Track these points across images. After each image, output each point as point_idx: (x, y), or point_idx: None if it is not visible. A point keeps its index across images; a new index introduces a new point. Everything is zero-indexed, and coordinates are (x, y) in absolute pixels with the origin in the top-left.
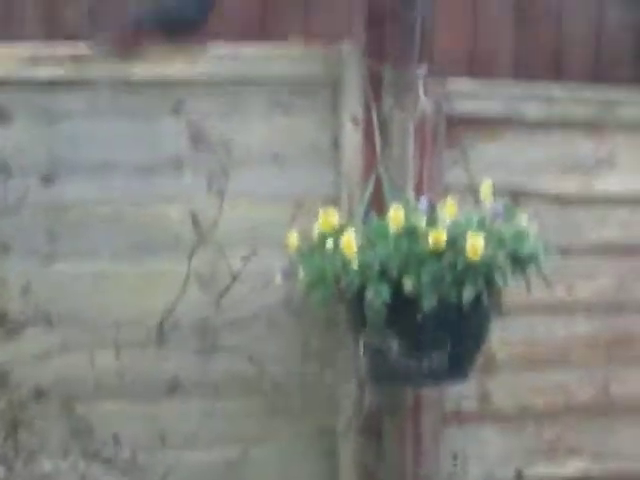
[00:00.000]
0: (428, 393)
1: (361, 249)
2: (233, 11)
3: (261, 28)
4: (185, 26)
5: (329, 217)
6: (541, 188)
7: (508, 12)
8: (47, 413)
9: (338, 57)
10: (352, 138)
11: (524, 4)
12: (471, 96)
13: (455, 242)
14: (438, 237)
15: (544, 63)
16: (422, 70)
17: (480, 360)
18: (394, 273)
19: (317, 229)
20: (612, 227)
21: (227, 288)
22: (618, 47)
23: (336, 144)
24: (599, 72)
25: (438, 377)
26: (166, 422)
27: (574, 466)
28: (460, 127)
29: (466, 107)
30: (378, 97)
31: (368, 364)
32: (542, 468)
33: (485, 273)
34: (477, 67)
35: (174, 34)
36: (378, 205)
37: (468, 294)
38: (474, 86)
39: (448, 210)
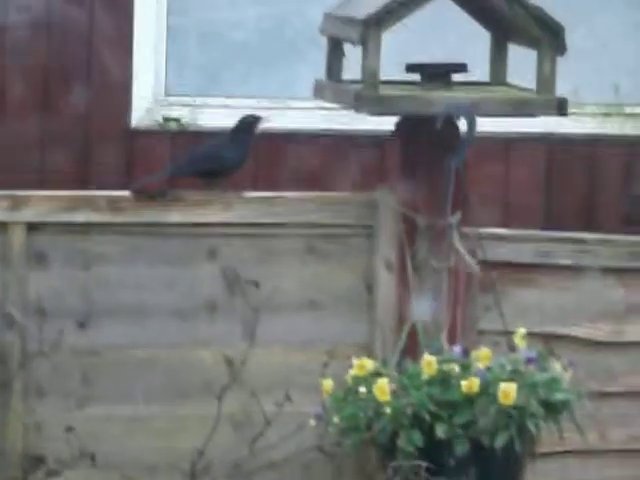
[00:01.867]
0: None
1: (394, 395)
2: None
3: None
4: (223, 171)
5: (363, 364)
6: (574, 333)
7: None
8: None
9: (372, 203)
10: (386, 284)
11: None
12: (504, 242)
13: (488, 388)
14: (471, 384)
15: (575, 212)
16: (456, 217)
17: None
18: (427, 419)
19: (351, 375)
20: None
21: (261, 432)
22: None
23: (370, 290)
24: (630, 219)
25: None
26: None
27: None
28: (493, 273)
29: (499, 253)
30: (412, 243)
31: None
32: None
33: (518, 419)
34: (510, 215)
35: (212, 179)
36: (412, 351)
37: (500, 440)
38: (507, 232)
39: (481, 357)
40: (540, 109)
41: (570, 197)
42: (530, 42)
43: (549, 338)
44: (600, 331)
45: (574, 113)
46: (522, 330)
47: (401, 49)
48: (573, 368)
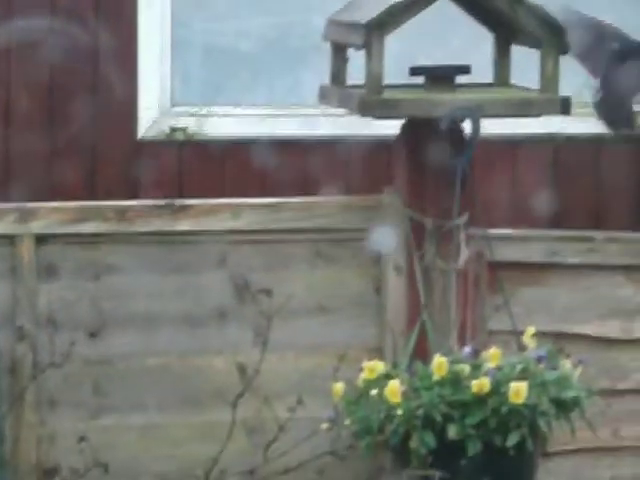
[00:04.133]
0: None
1: (405, 397)
2: None
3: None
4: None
5: (374, 367)
6: (584, 331)
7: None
8: None
9: (379, 207)
10: (395, 287)
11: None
12: (512, 242)
13: (499, 388)
14: (482, 385)
15: (583, 211)
16: (463, 218)
17: None
18: (438, 420)
19: (362, 378)
20: None
21: (274, 438)
22: None
23: (379, 293)
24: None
25: None
26: None
27: None
28: (502, 273)
29: (507, 253)
30: (420, 246)
31: None
32: None
33: (529, 418)
34: (517, 215)
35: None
36: (422, 353)
37: (512, 439)
38: (514, 232)
39: (492, 357)
40: (544, 109)
41: (577, 196)
42: (533, 42)
43: (559, 337)
44: (610, 328)
45: (579, 113)
46: (532, 329)
47: (405, 52)
48: (584, 366)
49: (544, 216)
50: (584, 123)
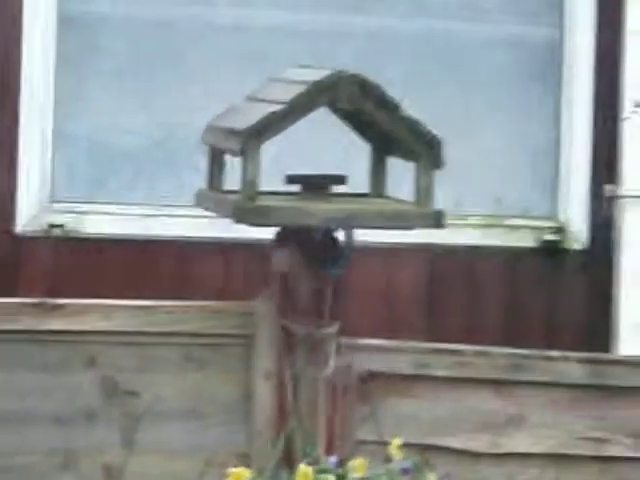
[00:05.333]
0: None
1: None
2: None
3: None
4: None
5: (239, 473)
6: (451, 444)
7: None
8: None
9: (251, 313)
10: (264, 394)
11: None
12: (381, 353)
13: None
14: None
15: (456, 323)
16: (334, 328)
17: None
18: None
19: None
20: None
21: None
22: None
23: (248, 399)
24: (510, 333)
25: None
26: None
27: None
28: (371, 384)
29: (377, 364)
30: (290, 353)
31: None
32: None
33: None
34: (391, 326)
35: None
36: (289, 461)
37: None
38: (384, 343)
39: (357, 467)
40: (417, 221)
41: (451, 308)
42: (408, 155)
43: (426, 449)
44: (477, 442)
45: (456, 224)
46: (397, 440)
47: (290, 160)
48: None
49: (418, 328)
50: (460, 234)
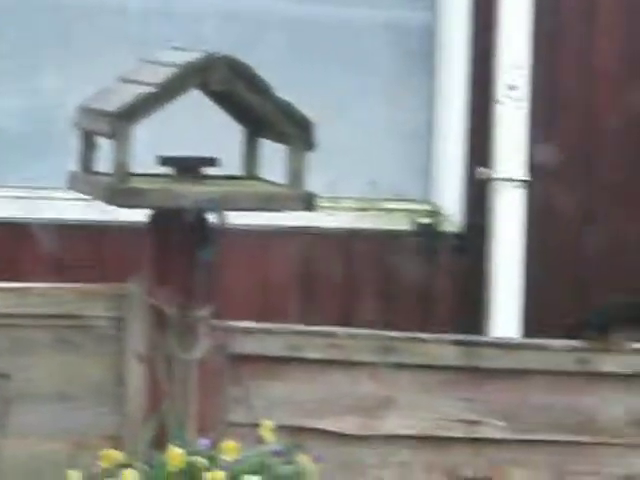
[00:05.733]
0: None
1: None
2: None
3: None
4: None
5: (111, 455)
6: (323, 426)
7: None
8: None
9: (124, 295)
10: (136, 376)
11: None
12: (253, 335)
13: None
14: (216, 477)
15: (331, 306)
16: (206, 310)
17: None
18: None
19: (99, 467)
20: (393, 467)
21: None
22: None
23: (120, 382)
24: (386, 316)
25: None
26: None
27: None
28: (243, 366)
29: (249, 346)
30: (162, 336)
31: None
32: None
33: None
34: (265, 309)
35: None
36: (161, 443)
37: None
38: (256, 326)
39: (229, 449)
40: (287, 204)
41: (327, 291)
42: (280, 137)
43: (298, 431)
44: (350, 424)
45: (330, 207)
46: (269, 423)
47: (166, 142)
48: (322, 461)
49: (293, 310)
50: (334, 217)
